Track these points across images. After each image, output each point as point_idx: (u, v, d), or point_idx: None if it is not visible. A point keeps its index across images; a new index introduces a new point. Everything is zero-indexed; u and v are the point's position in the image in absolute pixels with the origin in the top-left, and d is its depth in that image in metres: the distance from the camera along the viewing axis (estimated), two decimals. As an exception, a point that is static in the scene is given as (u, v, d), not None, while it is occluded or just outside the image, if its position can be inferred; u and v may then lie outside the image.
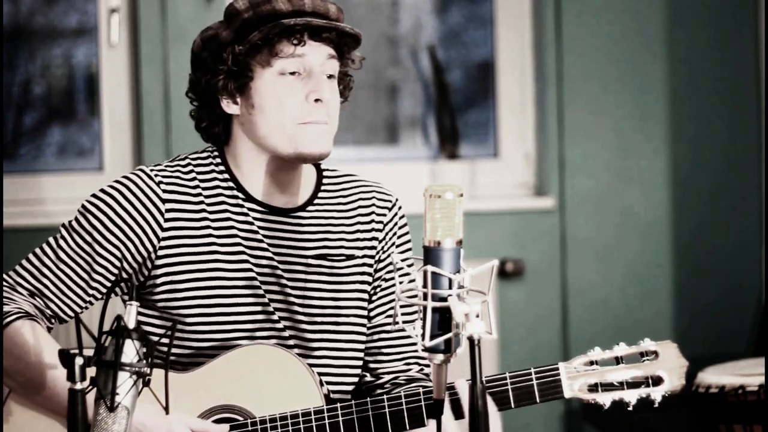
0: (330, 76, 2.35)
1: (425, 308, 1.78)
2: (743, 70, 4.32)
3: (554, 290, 4.25)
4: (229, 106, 2.36)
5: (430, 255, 1.79)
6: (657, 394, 2.25)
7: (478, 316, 1.76)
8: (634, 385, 2.25)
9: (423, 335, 1.78)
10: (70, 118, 4.21)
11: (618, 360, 2.26)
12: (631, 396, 2.25)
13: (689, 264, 4.31)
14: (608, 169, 4.27)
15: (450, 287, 1.79)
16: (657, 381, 2.25)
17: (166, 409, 1.94)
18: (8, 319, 2.26)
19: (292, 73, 2.31)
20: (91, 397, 1.87)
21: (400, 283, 1.83)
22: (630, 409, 2.26)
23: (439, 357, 1.81)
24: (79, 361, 1.85)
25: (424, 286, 1.79)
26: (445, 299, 1.78)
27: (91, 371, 1.88)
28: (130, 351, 1.87)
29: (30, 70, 4.14)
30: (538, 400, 2.26)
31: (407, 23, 4.50)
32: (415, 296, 1.80)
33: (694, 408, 3.38)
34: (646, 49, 4.27)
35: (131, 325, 1.89)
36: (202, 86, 2.36)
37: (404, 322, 2.43)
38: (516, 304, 4.22)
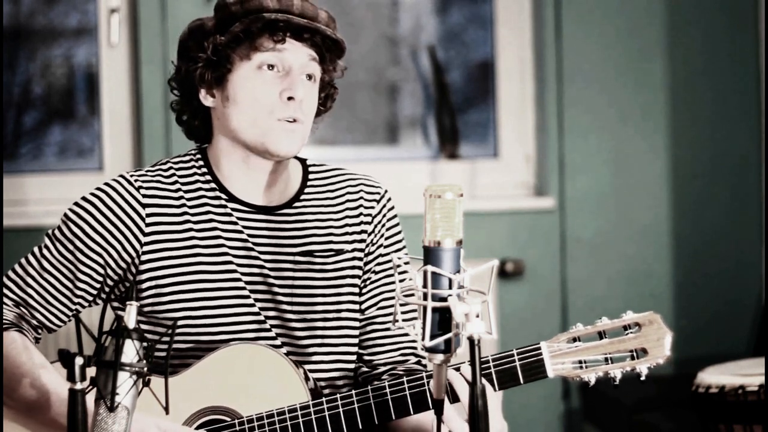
0: (310, 77, 2.34)
1: (425, 308, 1.78)
2: (743, 70, 4.32)
3: (554, 290, 4.25)
4: (206, 99, 2.36)
5: (430, 255, 1.79)
6: (642, 367, 2.23)
7: (478, 316, 1.76)
8: (618, 359, 2.23)
9: (423, 335, 1.78)
10: (70, 118, 4.21)
11: (601, 335, 2.24)
12: (616, 371, 2.23)
13: (689, 264, 4.31)
14: (608, 169, 4.27)
15: (450, 287, 1.79)
16: (642, 353, 2.23)
17: (166, 409, 1.94)
18: None
19: (270, 68, 2.31)
20: (91, 397, 1.87)
21: (400, 281, 1.83)
22: (616, 383, 2.23)
23: (439, 357, 1.81)
24: (79, 361, 1.85)
25: (424, 286, 1.79)
26: (445, 299, 1.78)
27: (91, 371, 1.88)
28: (130, 351, 1.87)
29: (30, 70, 4.14)
30: (521, 381, 2.24)
31: (407, 23, 4.50)
32: (411, 289, 1.80)
33: (694, 408, 3.38)
34: (646, 49, 4.27)
35: (131, 325, 1.89)
36: (182, 75, 2.36)
37: (404, 321, 2.43)
38: (516, 304, 4.22)
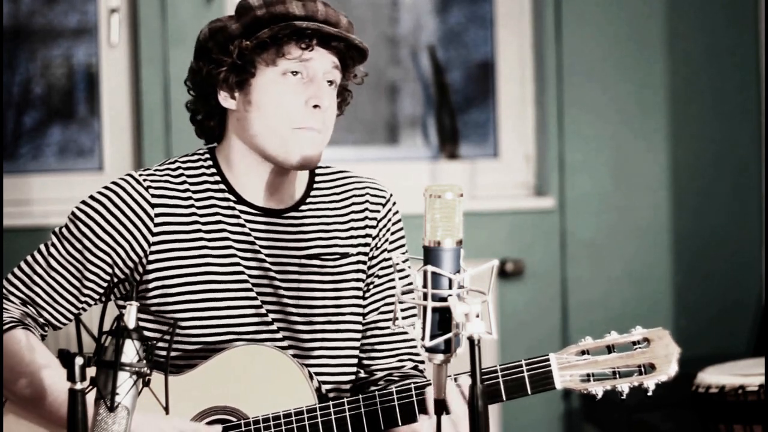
0: (330, 83, 2.34)
1: (425, 308, 1.78)
2: (743, 69, 4.31)
3: (554, 290, 4.25)
4: (226, 100, 2.35)
5: (430, 255, 1.79)
6: (650, 382, 2.23)
7: (478, 316, 1.76)
8: (626, 374, 2.23)
9: (423, 335, 1.78)
10: (70, 118, 4.21)
11: (610, 349, 2.25)
12: (623, 385, 2.23)
13: (689, 264, 4.31)
14: (608, 169, 4.27)
15: (450, 287, 1.79)
16: (649, 369, 2.24)
17: (166, 409, 1.94)
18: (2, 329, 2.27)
19: (295, 74, 2.31)
20: (91, 397, 1.87)
21: (401, 279, 1.83)
22: (623, 398, 2.24)
23: (439, 357, 1.81)
24: (79, 361, 1.85)
25: (424, 286, 1.79)
26: (445, 299, 1.78)
27: (91, 371, 1.88)
28: (130, 351, 1.87)
29: (30, 70, 4.14)
30: (529, 392, 2.25)
31: (407, 23, 4.50)
32: (411, 291, 1.80)
33: (694, 408, 3.38)
34: (646, 49, 4.27)
35: (131, 325, 1.89)
36: (202, 76, 2.35)
37: (404, 318, 2.43)
38: (516, 304, 4.22)
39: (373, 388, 2.43)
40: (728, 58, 4.31)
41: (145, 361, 1.88)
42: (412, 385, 2.27)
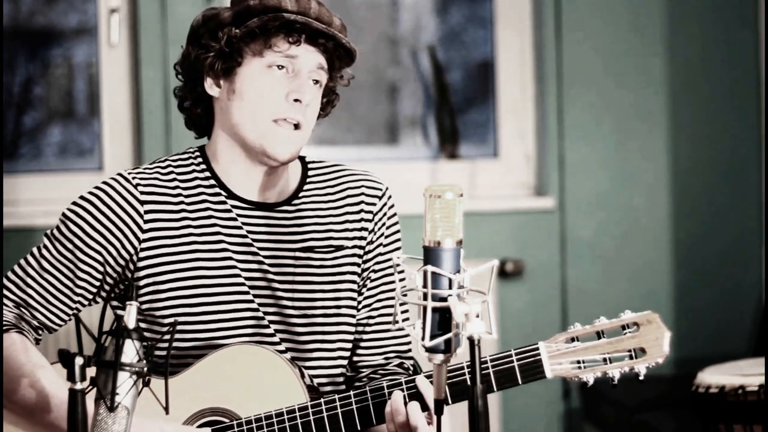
0: (316, 82, 2.35)
1: (425, 308, 1.78)
2: (743, 69, 4.32)
3: (554, 290, 4.25)
4: (211, 88, 2.36)
5: (430, 255, 1.79)
6: (641, 366, 2.22)
7: (478, 316, 1.76)
8: (616, 359, 2.22)
9: (423, 335, 1.78)
10: (70, 118, 4.21)
11: (599, 335, 2.24)
12: (614, 371, 2.22)
13: (689, 264, 4.31)
14: (608, 169, 4.27)
15: (450, 287, 1.79)
16: (640, 353, 2.23)
17: (166, 409, 1.93)
18: None
19: (280, 68, 2.32)
20: (91, 397, 1.87)
21: (400, 281, 1.83)
22: (615, 383, 2.22)
23: (439, 357, 1.81)
24: (79, 361, 1.85)
25: (424, 286, 1.79)
26: (445, 299, 1.78)
27: (91, 371, 1.88)
28: (130, 351, 1.87)
29: (30, 70, 4.14)
30: (520, 381, 2.24)
31: (407, 23, 4.51)
32: (406, 286, 1.80)
33: (694, 408, 3.38)
34: (646, 49, 4.27)
35: (131, 325, 1.89)
36: (191, 60, 2.36)
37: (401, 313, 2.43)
38: (516, 304, 4.22)
39: (357, 384, 2.44)
40: (728, 58, 4.31)
41: (145, 361, 1.88)
42: (403, 379, 2.26)
